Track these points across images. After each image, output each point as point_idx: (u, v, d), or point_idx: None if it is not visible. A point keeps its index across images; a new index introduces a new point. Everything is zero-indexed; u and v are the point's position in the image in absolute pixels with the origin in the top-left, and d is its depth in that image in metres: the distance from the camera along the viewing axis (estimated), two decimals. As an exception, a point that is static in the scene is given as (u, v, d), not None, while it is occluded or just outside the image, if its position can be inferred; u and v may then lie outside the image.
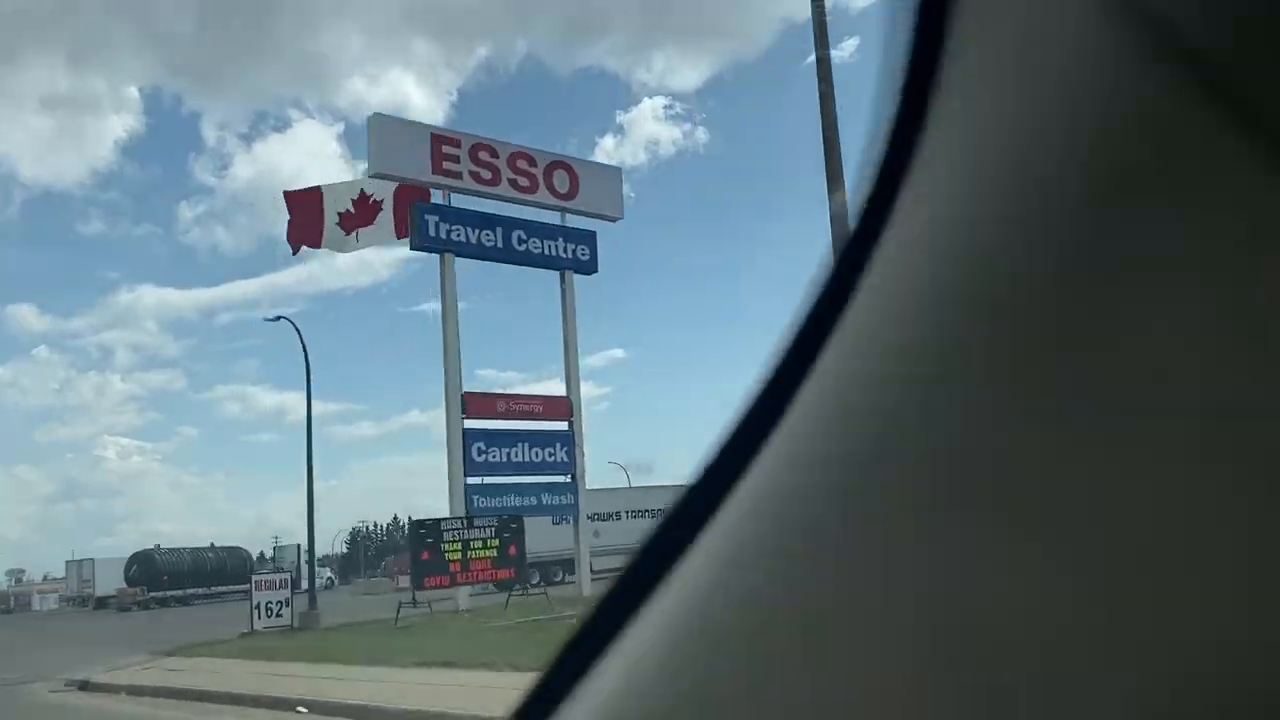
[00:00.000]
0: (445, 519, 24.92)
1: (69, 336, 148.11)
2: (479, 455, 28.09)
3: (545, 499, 28.90)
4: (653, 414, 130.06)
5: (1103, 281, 0.42)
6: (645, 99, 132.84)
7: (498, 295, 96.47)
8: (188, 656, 20.18)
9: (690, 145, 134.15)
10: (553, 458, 29.64)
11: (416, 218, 28.32)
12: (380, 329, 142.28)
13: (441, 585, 23.74)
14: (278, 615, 25.53)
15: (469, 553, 24.03)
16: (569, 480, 30.03)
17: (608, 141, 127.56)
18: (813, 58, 15.66)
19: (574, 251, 31.02)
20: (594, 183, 31.84)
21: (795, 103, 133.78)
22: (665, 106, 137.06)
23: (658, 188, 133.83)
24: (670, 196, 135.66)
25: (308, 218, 30.79)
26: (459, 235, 28.78)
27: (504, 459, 28.54)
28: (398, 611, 23.13)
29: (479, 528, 24.53)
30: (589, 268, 31.32)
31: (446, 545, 23.76)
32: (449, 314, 28.75)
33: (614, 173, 33.11)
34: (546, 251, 30.46)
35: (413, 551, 23.55)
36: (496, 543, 24.58)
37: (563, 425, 30.22)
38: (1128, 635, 0.40)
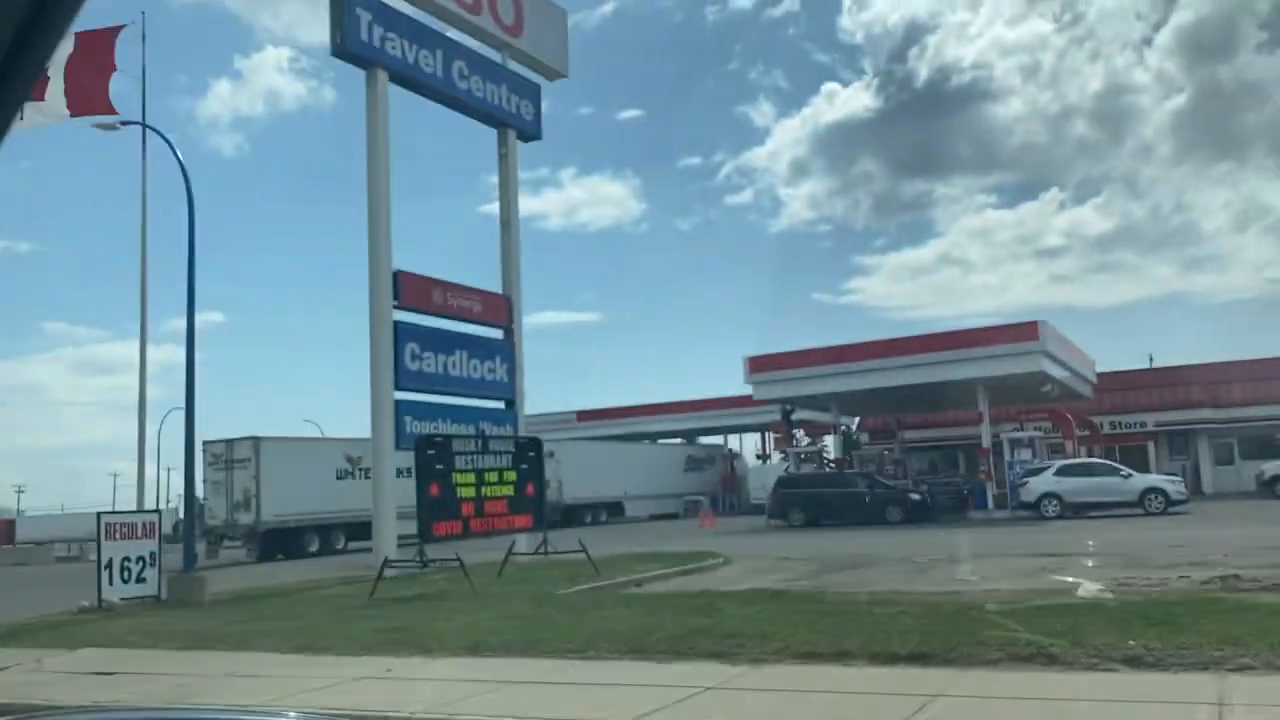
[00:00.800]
0: (455, 437, 16.97)
1: None
2: (413, 361, 20.20)
3: (486, 428, 21.38)
4: (249, 388, 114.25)
5: None
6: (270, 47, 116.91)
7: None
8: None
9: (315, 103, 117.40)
10: (493, 374, 22.24)
11: (346, 13, 19.73)
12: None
13: (453, 534, 15.91)
14: (138, 579, 15.99)
15: (484, 490, 16.37)
16: (506, 407, 22.69)
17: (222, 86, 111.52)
18: None
19: (518, 105, 23.66)
20: (540, 18, 24.67)
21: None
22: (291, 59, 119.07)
23: (275, 139, 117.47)
24: (290, 150, 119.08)
25: None
26: (394, 47, 20.61)
27: (440, 369, 20.82)
28: (379, 579, 15.09)
29: (495, 453, 16.87)
30: (533, 130, 24.03)
31: (459, 477, 15.98)
32: (377, 155, 20.44)
33: (559, 14, 25.61)
34: (489, 97, 22.93)
35: (419, 485, 15.46)
36: (514, 476, 17.07)
37: (499, 334, 22.85)
38: None
